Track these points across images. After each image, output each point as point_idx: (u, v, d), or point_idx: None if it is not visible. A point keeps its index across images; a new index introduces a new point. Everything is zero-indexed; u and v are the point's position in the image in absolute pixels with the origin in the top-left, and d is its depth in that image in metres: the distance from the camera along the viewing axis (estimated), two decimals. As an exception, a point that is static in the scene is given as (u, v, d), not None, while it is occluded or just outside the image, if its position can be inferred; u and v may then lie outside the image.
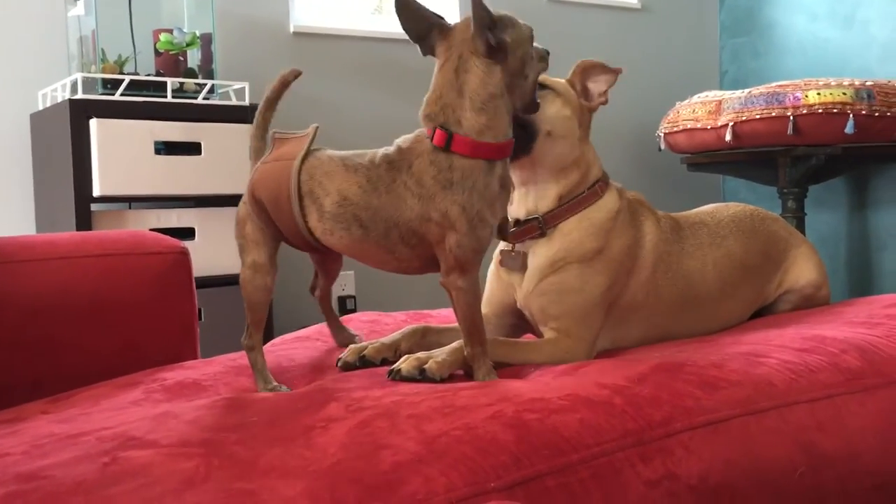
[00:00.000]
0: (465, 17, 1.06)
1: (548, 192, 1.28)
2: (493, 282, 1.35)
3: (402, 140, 1.09)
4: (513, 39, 1.05)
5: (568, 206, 1.28)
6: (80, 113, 2.33)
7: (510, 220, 1.27)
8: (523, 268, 1.28)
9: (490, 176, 1.05)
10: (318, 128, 1.13)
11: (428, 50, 1.09)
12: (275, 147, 1.14)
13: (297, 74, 1.19)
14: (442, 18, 1.08)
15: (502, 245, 1.32)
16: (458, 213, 1.03)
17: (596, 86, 1.36)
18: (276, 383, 1.13)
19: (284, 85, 1.19)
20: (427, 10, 1.07)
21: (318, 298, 1.33)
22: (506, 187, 1.09)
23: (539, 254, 1.28)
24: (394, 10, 1.07)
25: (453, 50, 1.05)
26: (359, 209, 1.05)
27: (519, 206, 1.29)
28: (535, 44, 1.11)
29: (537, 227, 1.27)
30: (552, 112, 1.28)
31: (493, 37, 1.03)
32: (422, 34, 1.07)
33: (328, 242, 1.10)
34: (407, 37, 1.09)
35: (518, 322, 1.34)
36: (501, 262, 1.31)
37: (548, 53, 1.13)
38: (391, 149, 1.08)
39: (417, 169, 1.04)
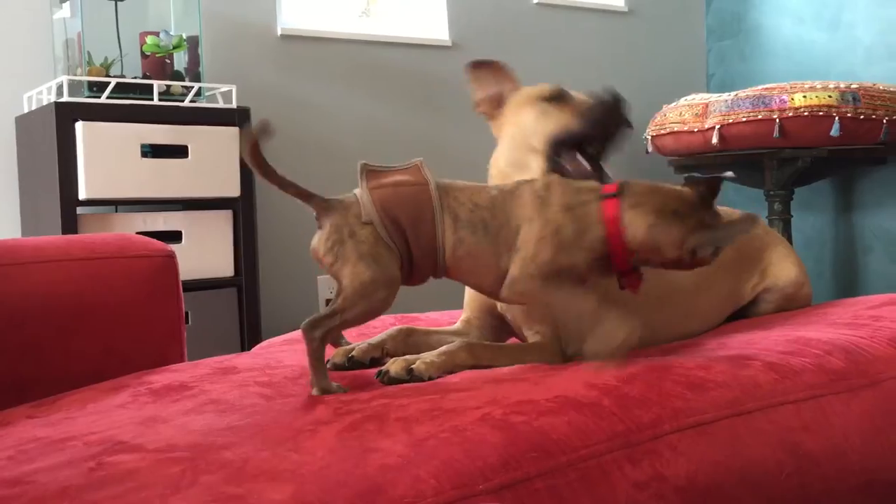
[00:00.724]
0: None
1: None
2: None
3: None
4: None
5: None
6: (65, 116, 2.32)
7: None
8: None
9: (584, 241, 1.12)
10: (422, 161, 1.18)
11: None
12: (370, 177, 1.14)
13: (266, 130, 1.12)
14: None
15: None
16: (553, 232, 1.11)
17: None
18: (334, 385, 1.10)
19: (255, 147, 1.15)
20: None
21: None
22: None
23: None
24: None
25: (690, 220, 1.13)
26: (484, 210, 1.13)
27: None
28: None
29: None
30: None
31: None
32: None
33: (452, 259, 1.13)
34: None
35: (500, 324, 1.34)
36: None
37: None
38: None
39: (554, 187, 1.14)
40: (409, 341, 1.28)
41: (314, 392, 1.06)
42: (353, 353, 1.24)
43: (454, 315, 1.55)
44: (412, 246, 1.12)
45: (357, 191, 1.13)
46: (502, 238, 1.12)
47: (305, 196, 1.12)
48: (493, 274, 1.13)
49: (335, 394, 1.06)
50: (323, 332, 1.09)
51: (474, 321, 1.34)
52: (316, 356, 1.08)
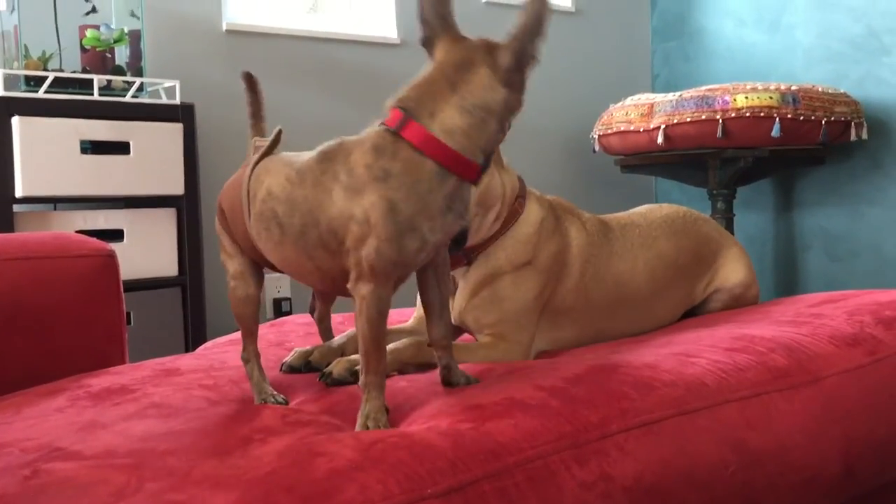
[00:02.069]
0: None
1: (483, 232, 1.27)
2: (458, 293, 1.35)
3: (357, 135, 0.95)
4: (527, 80, 0.94)
5: (491, 238, 1.27)
6: (1, 111, 2.25)
7: None
8: (454, 290, 1.28)
9: (438, 183, 0.89)
10: (280, 130, 1.04)
11: (427, 42, 0.96)
12: (254, 153, 1.07)
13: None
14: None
15: None
16: (384, 210, 0.86)
17: None
18: (274, 393, 1.06)
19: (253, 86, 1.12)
20: (450, 9, 0.96)
21: (316, 320, 1.26)
22: (457, 213, 0.92)
23: (469, 275, 1.28)
24: None
25: (465, 52, 0.93)
26: (278, 204, 0.93)
27: None
28: None
29: (463, 258, 1.27)
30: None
31: (522, 68, 0.93)
32: (433, 24, 0.97)
33: (262, 251, 1.01)
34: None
35: (454, 334, 1.34)
36: None
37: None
38: (335, 140, 0.96)
39: (355, 158, 0.90)
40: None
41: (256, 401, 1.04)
42: (311, 356, 1.21)
43: (403, 313, 1.54)
44: (235, 235, 1.04)
45: None
46: (309, 240, 0.92)
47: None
48: (315, 274, 0.95)
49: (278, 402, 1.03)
50: (244, 351, 1.08)
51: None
52: (247, 375, 1.08)
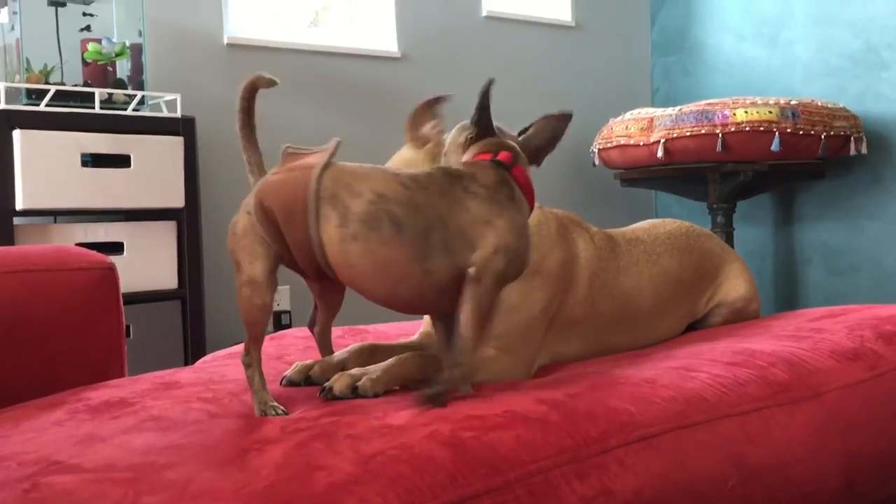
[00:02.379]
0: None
1: None
2: None
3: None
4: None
5: None
6: (2, 123, 2.26)
7: None
8: None
9: (527, 214, 1.08)
10: (340, 142, 1.05)
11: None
12: (286, 160, 1.05)
13: (270, 83, 1.12)
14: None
15: None
16: (520, 224, 1.03)
17: (427, 127, 1.32)
18: (274, 404, 1.04)
19: (253, 91, 1.11)
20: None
21: (316, 335, 1.20)
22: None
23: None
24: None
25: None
26: (396, 205, 0.97)
27: None
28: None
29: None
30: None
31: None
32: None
33: (337, 260, 0.99)
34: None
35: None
36: None
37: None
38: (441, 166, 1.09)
39: (484, 178, 1.03)
40: (372, 361, 1.22)
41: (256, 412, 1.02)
42: (311, 371, 1.20)
43: (405, 327, 1.54)
44: (288, 238, 1.01)
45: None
46: (432, 241, 0.97)
47: (258, 169, 1.09)
48: (415, 280, 0.98)
49: (278, 414, 1.01)
50: (246, 355, 1.05)
51: (430, 345, 1.31)
52: (248, 380, 1.05)
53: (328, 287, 1.12)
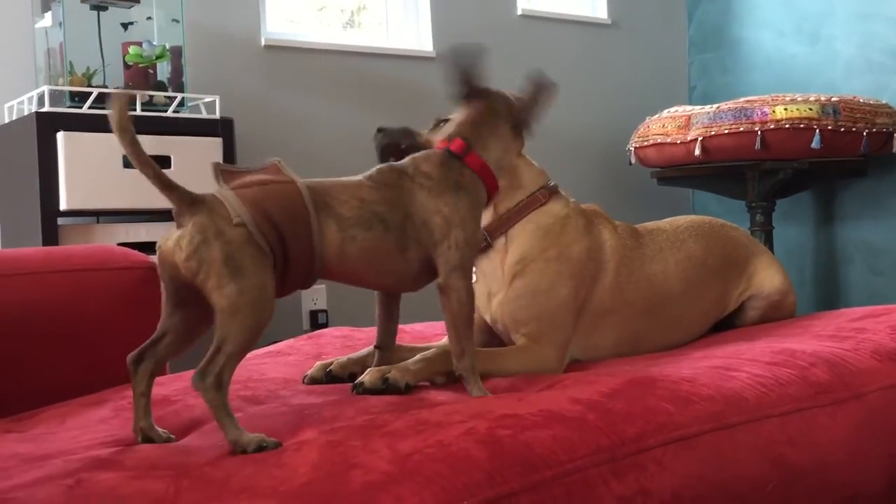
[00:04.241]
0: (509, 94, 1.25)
1: (494, 209, 1.31)
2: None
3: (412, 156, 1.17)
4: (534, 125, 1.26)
5: (507, 215, 1.31)
6: (46, 126, 2.30)
7: None
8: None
9: (482, 198, 1.17)
10: (280, 160, 1.08)
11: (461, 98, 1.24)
12: (227, 178, 1.04)
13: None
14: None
15: None
16: (465, 211, 1.11)
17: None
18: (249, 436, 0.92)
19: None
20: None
21: (143, 375, 1.03)
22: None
23: (495, 265, 1.30)
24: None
25: (492, 104, 1.24)
26: (376, 205, 1.07)
27: None
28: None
29: (482, 239, 1.28)
30: None
31: (526, 127, 1.25)
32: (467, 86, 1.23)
33: (336, 260, 1.03)
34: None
35: (489, 338, 1.34)
36: None
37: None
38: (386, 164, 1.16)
39: (426, 169, 1.12)
40: (395, 358, 1.25)
41: (230, 443, 0.91)
42: (332, 367, 1.22)
43: (439, 327, 1.55)
44: (289, 245, 1.00)
45: (215, 192, 1.01)
46: (408, 232, 1.08)
47: (166, 185, 0.99)
48: (399, 264, 1.09)
49: (259, 446, 0.90)
50: (213, 377, 0.93)
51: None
52: (216, 407, 0.92)
53: (193, 314, 1.03)
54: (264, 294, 0.97)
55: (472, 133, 1.19)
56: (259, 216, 0.98)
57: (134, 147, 0.98)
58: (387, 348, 1.21)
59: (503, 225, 1.31)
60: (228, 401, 0.94)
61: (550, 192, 1.35)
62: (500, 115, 1.23)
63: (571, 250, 1.31)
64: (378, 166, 1.14)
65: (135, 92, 1.08)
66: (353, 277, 1.09)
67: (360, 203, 1.06)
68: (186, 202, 0.99)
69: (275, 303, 0.99)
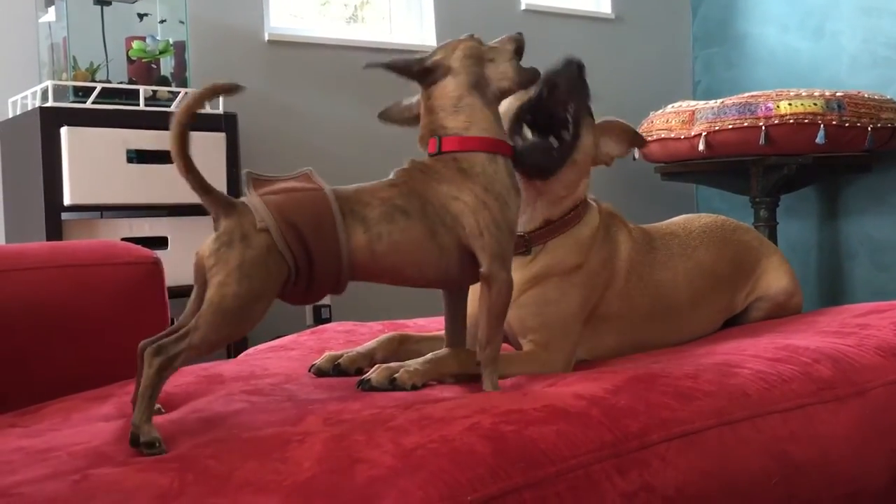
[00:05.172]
0: None
1: (540, 214, 1.29)
2: (470, 295, 1.35)
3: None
4: (440, 58, 1.19)
5: (553, 227, 1.29)
6: (50, 121, 2.30)
7: None
8: None
9: (495, 165, 1.13)
10: (311, 170, 1.12)
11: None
12: (257, 185, 1.07)
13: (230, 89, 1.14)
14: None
15: None
16: (481, 190, 1.10)
17: (610, 146, 1.38)
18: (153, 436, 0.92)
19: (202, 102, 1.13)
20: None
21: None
22: (516, 187, 1.15)
23: (521, 269, 1.27)
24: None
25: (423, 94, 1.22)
26: (395, 199, 1.08)
27: None
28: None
29: (523, 244, 1.27)
30: (587, 143, 1.31)
31: (416, 72, 1.21)
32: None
33: (366, 262, 1.05)
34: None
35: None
36: None
37: (519, 34, 1.25)
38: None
39: (432, 167, 1.13)
40: (402, 350, 1.25)
41: (133, 424, 0.91)
42: (341, 360, 1.22)
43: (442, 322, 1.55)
44: (313, 252, 1.02)
45: (245, 199, 1.05)
46: (430, 216, 1.08)
47: (205, 190, 1.03)
48: (434, 253, 1.08)
49: (150, 444, 0.90)
50: (165, 358, 0.94)
51: (469, 328, 1.33)
52: (149, 388, 0.92)
53: None
54: (256, 308, 1.00)
55: (427, 125, 1.17)
56: (283, 222, 1.01)
57: (181, 152, 1.08)
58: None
59: (547, 236, 1.29)
60: (161, 389, 0.95)
61: (586, 202, 1.34)
62: (445, 72, 1.19)
63: (591, 263, 1.30)
64: (410, 161, 1.16)
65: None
66: (392, 275, 1.10)
67: (381, 202, 1.08)
68: (224, 206, 1.03)
69: (261, 318, 1.01)
